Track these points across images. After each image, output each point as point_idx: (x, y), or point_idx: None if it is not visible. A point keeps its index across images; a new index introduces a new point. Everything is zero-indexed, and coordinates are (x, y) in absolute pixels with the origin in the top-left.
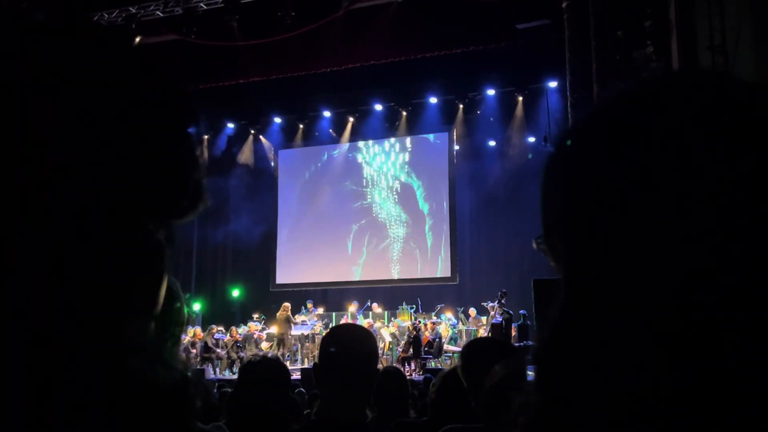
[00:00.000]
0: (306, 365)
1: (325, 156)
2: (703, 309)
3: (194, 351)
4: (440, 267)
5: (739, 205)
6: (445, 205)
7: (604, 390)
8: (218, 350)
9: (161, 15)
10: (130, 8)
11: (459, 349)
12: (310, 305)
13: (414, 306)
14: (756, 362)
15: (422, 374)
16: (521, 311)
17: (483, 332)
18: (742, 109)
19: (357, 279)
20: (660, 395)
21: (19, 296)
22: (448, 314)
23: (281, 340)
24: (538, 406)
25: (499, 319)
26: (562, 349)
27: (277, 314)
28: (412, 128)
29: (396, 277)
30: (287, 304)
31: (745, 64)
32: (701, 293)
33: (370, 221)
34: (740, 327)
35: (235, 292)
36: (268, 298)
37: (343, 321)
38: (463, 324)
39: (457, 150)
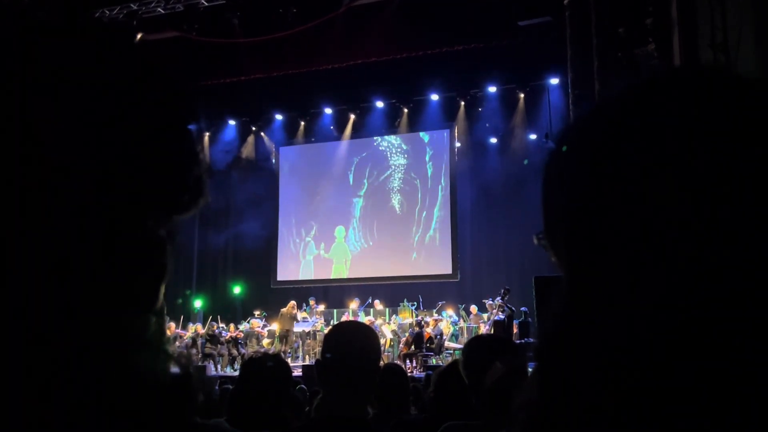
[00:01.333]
0: (307, 362)
1: (327, 153)
2: (703, 308)
3: (195, 348)
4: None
5: (739, 204)
6: (447, 202)
7: (605, 388)
8: (219, 346)
9: (162, 12)
10: (132, 5)
11: (460, 346)
12: (312, 302)
13: (415, 303)
14: (756, 362)
15: (424, 371)
16: (522, 308)
17: (484, 329)
18: (743, 108)
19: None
20: (660, 394)
21: (20, 295)
22: (449, 311)
23: (284, 337)
24: (538, 403)
25: (502, 316)
26: (563, 347)
27: (283, 310)
28: (414, 125)
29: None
30: (293, 302)
31: (746, 62)
32: (702, 293)
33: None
34: (740, 327)
35: (237, 289)
36: (269, 295)
37: (344, 318)
38: (464, 321)
39: (458, 147)
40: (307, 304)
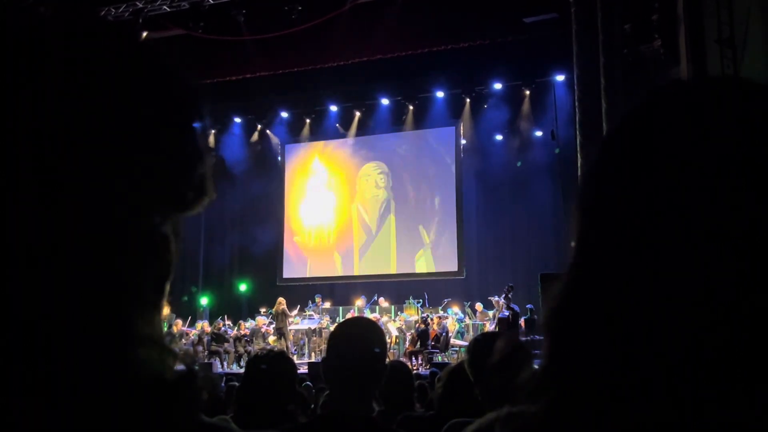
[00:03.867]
0: (313, 359)
1: (331, 150)
2: (714, 306)
3: (201, 346)
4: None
5: (753, 204)
6: (452, 199)
7: (611, 358)
8: (226, 344)
9: (168, 10)
10: (137, 3)
11: (466, 343)
12: (318, 299)
13: (421, 300)
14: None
15: (429, 368)
16: (528, 305)
17: (489, 327)
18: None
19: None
20: (665, 368)
21: (26, 290)
22: (455, 308)
23: (280, 335)
24: (546, 371)
25: (506, 313)
26: (570, 317)
27: (273, 309)
28: (419, 122)
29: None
30: (281, 299)
31: (754, 58)
32: (711, 289)
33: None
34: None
35: (243, 287)
36: (275, 292)
37: (350, 315)
38: (469, 318)
39: (463, 144)
40: (313, 302)
